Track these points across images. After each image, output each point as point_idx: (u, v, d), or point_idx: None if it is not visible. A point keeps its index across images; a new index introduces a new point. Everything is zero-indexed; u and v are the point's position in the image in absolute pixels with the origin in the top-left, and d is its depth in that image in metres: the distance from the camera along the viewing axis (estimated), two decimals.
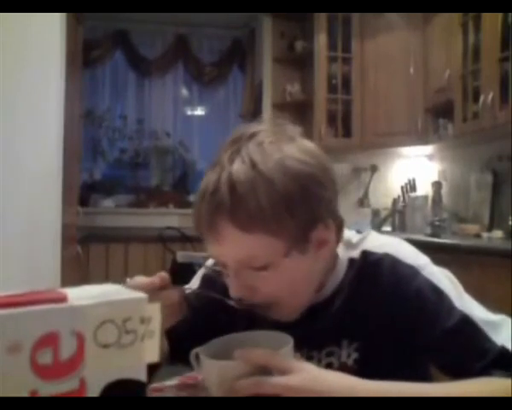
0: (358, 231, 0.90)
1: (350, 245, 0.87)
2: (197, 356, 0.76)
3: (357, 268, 0.85)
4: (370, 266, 0.84)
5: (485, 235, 2.95)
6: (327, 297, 0.86)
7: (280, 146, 0.75)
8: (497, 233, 2.88)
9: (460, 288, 0.82)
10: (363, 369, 0.84)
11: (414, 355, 0.84)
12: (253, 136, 0.76)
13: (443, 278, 0.81)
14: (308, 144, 0.79)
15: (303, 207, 0.74)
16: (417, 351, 0.83)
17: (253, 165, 0.72)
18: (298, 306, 0.83)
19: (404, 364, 0.84)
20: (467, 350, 0.75)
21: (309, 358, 0.86)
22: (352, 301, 0.85)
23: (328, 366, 0.85)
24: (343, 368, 0.84)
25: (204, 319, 0.91)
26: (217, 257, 0.79)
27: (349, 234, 0.88)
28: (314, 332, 0.86)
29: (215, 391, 0.71)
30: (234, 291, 0.78)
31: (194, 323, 0.89)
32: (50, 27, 2.83)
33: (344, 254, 0.86)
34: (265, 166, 0.72)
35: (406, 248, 0.86)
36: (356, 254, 0.86)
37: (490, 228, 3.08)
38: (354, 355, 0.85)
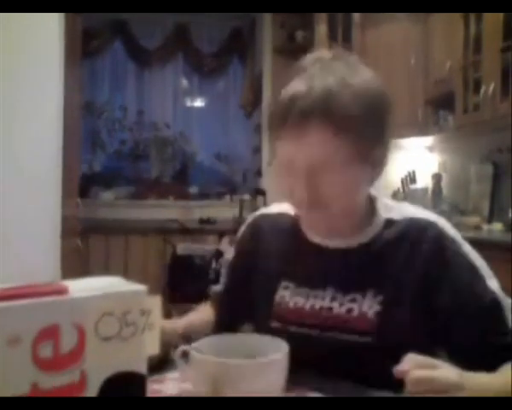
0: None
1: (386, 207, 0.94)
2: (184, 354, 0.75)
3: (400, 230, 0.91)
4: (415, 231, 0.89)
5: (485, 227, 2.94)
6: (361, 245, 0.92)
7: (358, 71, 0.86)
8: (497, 225, 2.88)
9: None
10: (381, 323, 0.87)
11: (434, 322, 0.87)
12: (335, 58, 0.87)
13: (478, 257, 0.88)
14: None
15: (377, 124, 0.85)
16: (440, 319, 0.86)
17: (343, 78, 0.82)
18: (339, 216, 0.89)
19: (420, 331, 0.87)
20: (488, 329, 0.83)
21: (333, 299, 0.91)
22: (387, 256, 0.90)
23: (348, 311, 0.89)
24: (362, 317, 0.88)
25: (244, 280, 1.03)
26: (293, 158, 0.84)
27: (385, 199, 0.96)
28: (343, 275, 0.91)
29: (206, 390, 0.69)
30: (302, 189, 0.85)
31: (239, 287, 1.04)
32: (48, 18, 2.81)
33: (381, 214, 0.93)
34: (353, 81, 0.83)
35: (446, 222, 0.92)
36: (395, 216, 0.92)
37: (490, 220, 3.08)
38: (376, 308, 0.87)
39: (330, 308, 0.90)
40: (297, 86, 0.83)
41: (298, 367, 0.79)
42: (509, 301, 0.87)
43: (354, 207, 0.91)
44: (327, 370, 0.85)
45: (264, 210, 1.09)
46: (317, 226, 0.93)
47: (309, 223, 0.94)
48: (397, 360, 0.76)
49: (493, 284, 0.86)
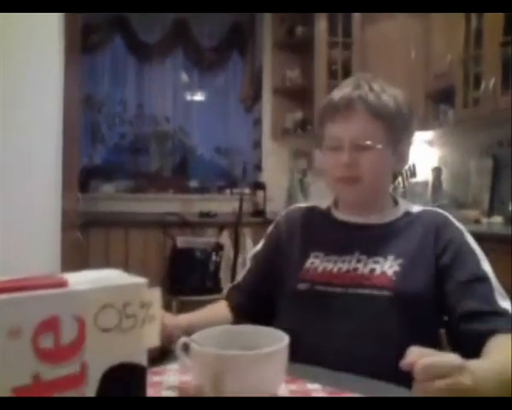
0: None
1: (406, 203, 1.18)
2: (184, 346, 0.75)
3: (416, 217, 1.13)
4: (428, 218, 1.12)
5: (484, 220, 2.95)
6: (385, 223, 1.13)
7: (391, 86, 1.13)
8: (497, 219, 2.88)
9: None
10: (399, 280, 1.02)
11: (439, 281, 1.04)
12: (373, 78, 1.13)
13: (477, 247, 1.07)
14: None
15: (404, 121, 1.11)
16: (442, 282, 1.03)
17: (381, 86, 1.11)
18: (368, 190, 1.11)
19: (428, 289, 1.03)
20: (477, 296, 0.98)
21: (358, 261, 1.08)
22: (405, 233, 1.10)
23: (371, 271, 1.05)
24: (383, 275, 1.04)
25: (269, 268, 1.18)
26: (341, 135, 1.09)
27: (402, 199, 1.20)
28: (368, 244, 1.09)
29: (205, 382, 0.70)
30: (345, 158, 1.07)
31: (262, 278, 1.19)
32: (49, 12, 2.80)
33: (401, 206, 1.16)
34: (388, 89, 1.11)
35: (453, 217, 1.13)
36: (412, 209, 1.15)
37: (490, 214, 3.08)
38: (395, 268, 1.04)
39: (355, 269, 1.07)
40: (345, 88, 1.10)
41: (322, 325, 1.01)
42: (500, 287, 1.00)
43: (380, 187, 1.14)
44: (348, 322, 1.00)
45: (296, 204, 1.29)
46: (350, 198, 1.14)
47: (343, 195, 1.14)
48: (410, 312, 1.00)
49: (486, 266, 1.03)
